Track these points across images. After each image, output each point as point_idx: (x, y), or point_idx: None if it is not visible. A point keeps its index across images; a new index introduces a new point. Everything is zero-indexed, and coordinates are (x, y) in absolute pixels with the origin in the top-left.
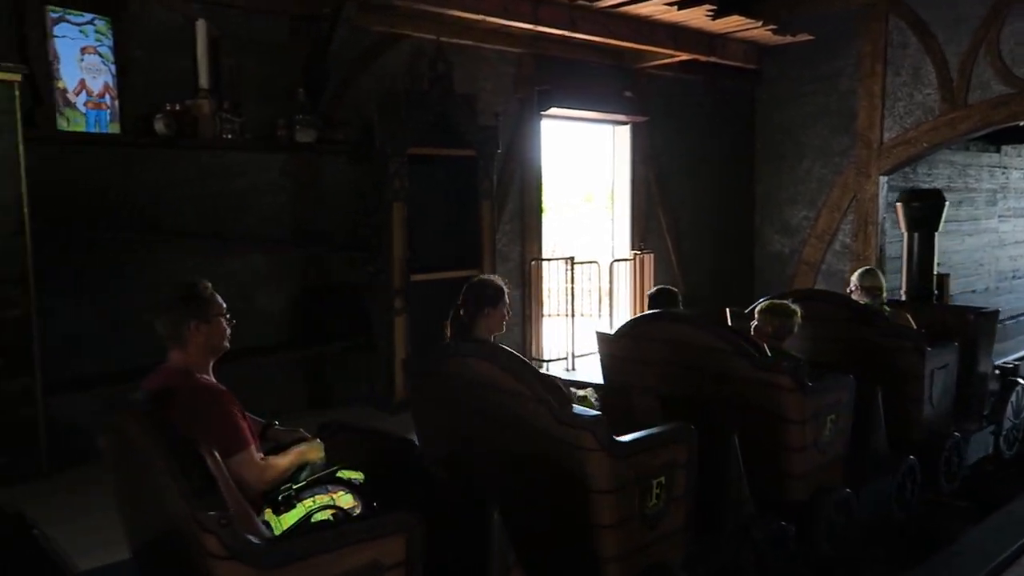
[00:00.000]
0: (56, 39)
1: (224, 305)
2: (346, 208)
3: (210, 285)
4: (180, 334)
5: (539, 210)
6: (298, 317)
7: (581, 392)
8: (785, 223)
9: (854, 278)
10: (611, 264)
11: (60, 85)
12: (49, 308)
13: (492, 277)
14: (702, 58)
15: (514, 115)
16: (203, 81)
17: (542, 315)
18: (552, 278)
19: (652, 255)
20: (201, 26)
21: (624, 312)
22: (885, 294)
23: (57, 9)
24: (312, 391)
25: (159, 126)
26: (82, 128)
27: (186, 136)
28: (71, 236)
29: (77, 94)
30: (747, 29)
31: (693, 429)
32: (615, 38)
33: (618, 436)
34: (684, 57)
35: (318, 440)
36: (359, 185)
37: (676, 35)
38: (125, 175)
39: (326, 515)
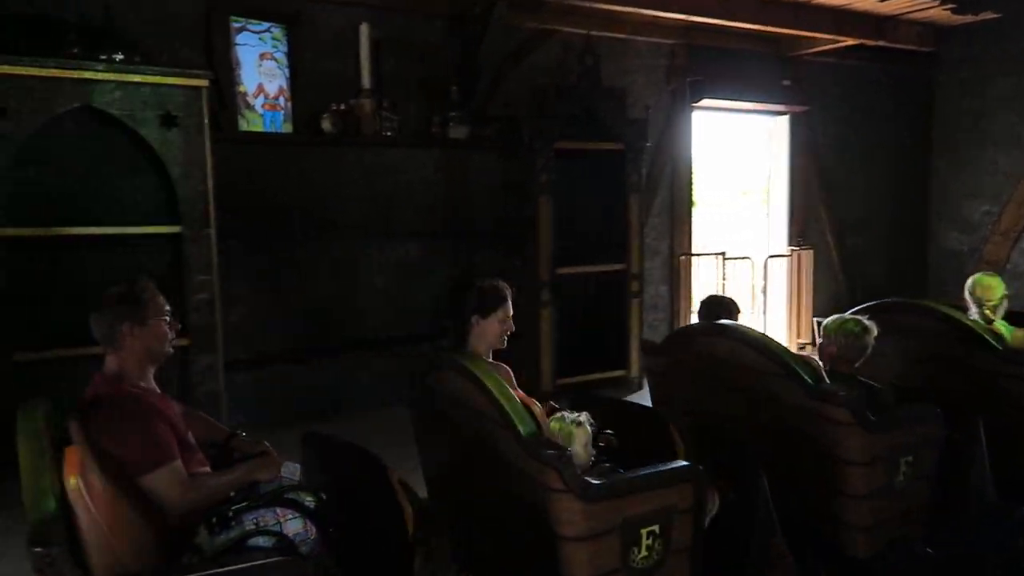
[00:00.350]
0: (238, 47)
1: (167, 307)
2: (495, 202)
3: (152, 284)
4: (113, 337)
5: (689, 204)
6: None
7: (572, 416)
8: (964, 219)
9: (966, 286)
10: (766, 260)
11: (241, 89)
12: (230, 294)
13: (494, 282)
14: (869, 42)
15: (665, 107)
16: (365, 82)
17: (691, 311)
18: (702, 274)
19: (811, 251)
20: (364, 30)
21: (779, 311)
22: (1001, 306)
23: (239, 19)
24: None
25: (326, 125)
26: (259, 128)
27: (350, 134)
28: (249, 228)
29: (255, 97)
30: (922, 9)
31: (699, 469)
32: (772, 25)
33: (628, 470)
34: (848, 42)
35: (273, 456)
36: (508, 179)
37: (839, 19)
38: (297, 171)
39: (269, 540)
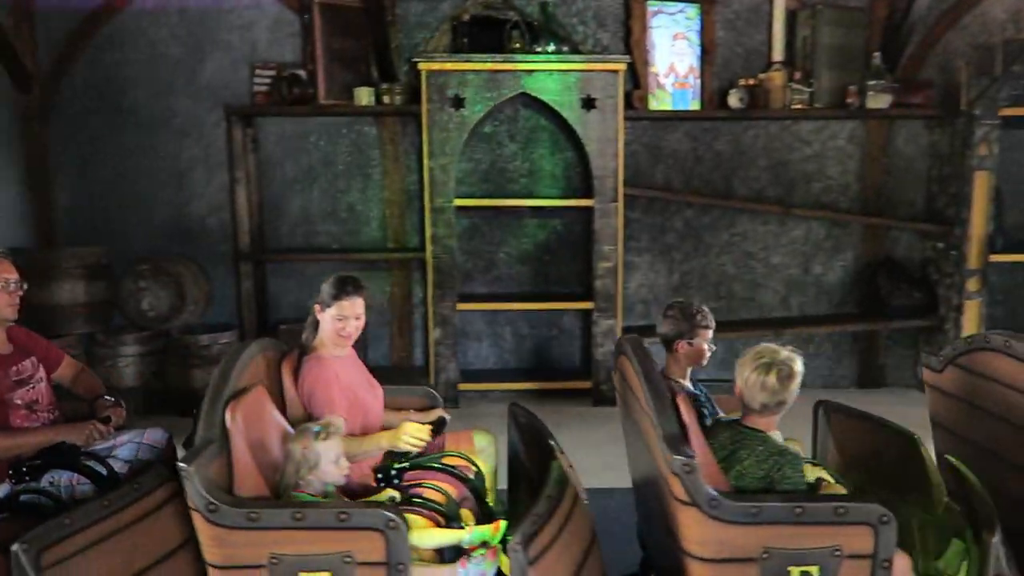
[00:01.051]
0: (653, 30)
1: (9, 276)
2: (917, 177)
3: None
4: None
5: None
6: (854, 289)
7: (317, 427)
8: None
9: None
10: None
11: (653, 69)
12: (630, 264)
13: (352, 274)
14: None
15: None
16: (776, 54)
17: None
18: None
19: None
20: (779, 0)
21: None
22: None
23: (655, 3)
24: (862, 369)
25: (733, 100)
26: (668, 107)
27: (758, 108)
28: (652, 202)
29: (666, 76)
30: None
31: (393, 519)
32: None
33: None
34: None
35: (89, 424)
36: (935, 152)
37: None
38: (701, 147)
39: (47, 501)
